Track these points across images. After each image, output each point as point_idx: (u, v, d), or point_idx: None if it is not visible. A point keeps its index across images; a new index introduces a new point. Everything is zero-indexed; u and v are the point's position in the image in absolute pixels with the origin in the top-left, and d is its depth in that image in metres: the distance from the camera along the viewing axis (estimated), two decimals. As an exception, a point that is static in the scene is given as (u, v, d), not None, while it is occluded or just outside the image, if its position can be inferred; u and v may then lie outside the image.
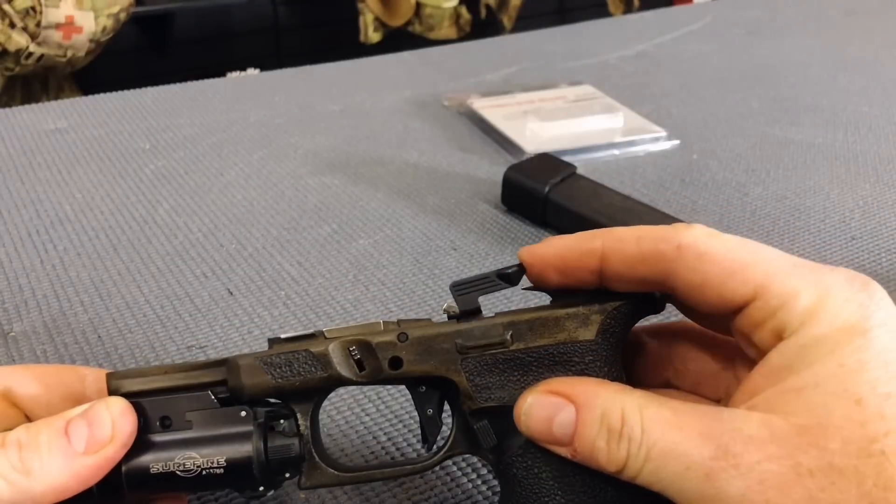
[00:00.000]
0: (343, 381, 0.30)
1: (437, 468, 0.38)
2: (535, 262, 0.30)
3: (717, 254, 0.27)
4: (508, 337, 0.30)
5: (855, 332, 0.25)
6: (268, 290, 0.52)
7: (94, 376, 0.33)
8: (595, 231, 0.30)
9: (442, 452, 0.32)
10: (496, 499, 0.37)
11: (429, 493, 0.37)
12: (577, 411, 0.27)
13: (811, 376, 0.25)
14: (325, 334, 0.31)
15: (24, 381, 0.32)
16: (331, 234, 0.59)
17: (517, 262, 0.31)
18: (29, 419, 0.32)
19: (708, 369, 0.32)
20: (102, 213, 0.61)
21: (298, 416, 0.31)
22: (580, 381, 0.29)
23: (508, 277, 0.31)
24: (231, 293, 0.52)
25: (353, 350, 0.30)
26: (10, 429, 0.29)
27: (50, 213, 0.61)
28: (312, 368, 0.30)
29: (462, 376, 0.30)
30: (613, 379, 0.30)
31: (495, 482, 0.38)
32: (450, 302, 0.32)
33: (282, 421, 0.31)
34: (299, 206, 0.63)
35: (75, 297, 0.51)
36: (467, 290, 0.31)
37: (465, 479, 0.38)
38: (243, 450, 0.30)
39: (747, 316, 0.27)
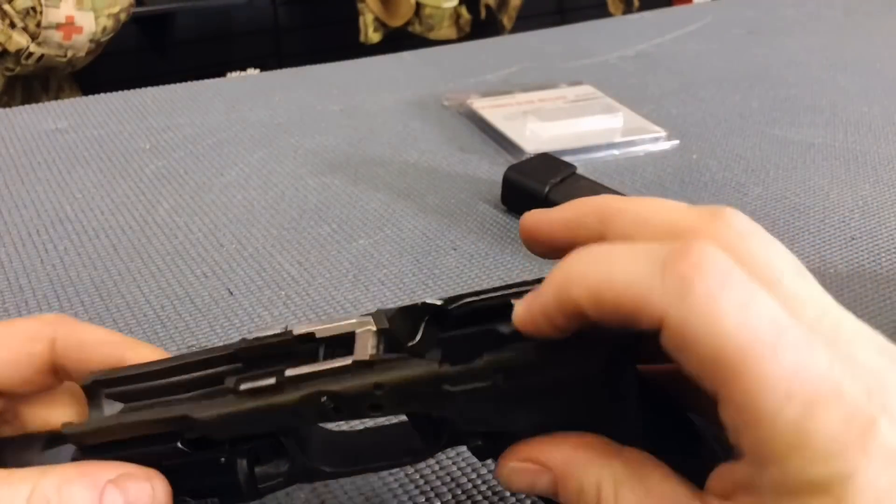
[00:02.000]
0: (320, 422, 0.28)
1: (436, 467, 0.38)
2: (532, 331, 0.26)
3: (701, 348, 0.21)
4: (500, 380, 0.26)
5: (826, 495, 0.21)
6: (268, 290, 0.52)
7: (63, 341, 0.30)
8: (564, 278, 0.24)
9: (437, 445, 0.30)
10: (496, 499, 0.37)
11: (429, 493, 0.37)
12: (555, 479, 0.26)
13: None
14: (289, 378, 0.27)
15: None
16: (331, 234, 0.59)
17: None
18: None
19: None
20: (103, 212, 0.61)
21: (281, 437, 0.29)
22: (557, 445, 0.27)
23: (504, 338, 0.27)
24: (231, 293, 0.52)
25: (326, 400, 0.27)
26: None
27: (50, 213, 0.61)
28: (284, 420, 0.28)
29: (450, 412, 0.27)
30: (615, 416, 0.27)
31: (495, 482, 0.38)
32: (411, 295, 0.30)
33: (265, 448, 0.29)
34: (299, 206, 0.63)
35: (75, 297, 0.51)
36: (459, 344, 0.27)
37: (465, 480, 0.38)
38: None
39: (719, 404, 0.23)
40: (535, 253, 0.29)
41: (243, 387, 0.27)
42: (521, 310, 0.25)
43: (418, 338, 0.28)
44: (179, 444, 0.28)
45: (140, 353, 0.31)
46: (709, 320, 0.21)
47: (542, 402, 0.27)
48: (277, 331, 0.28)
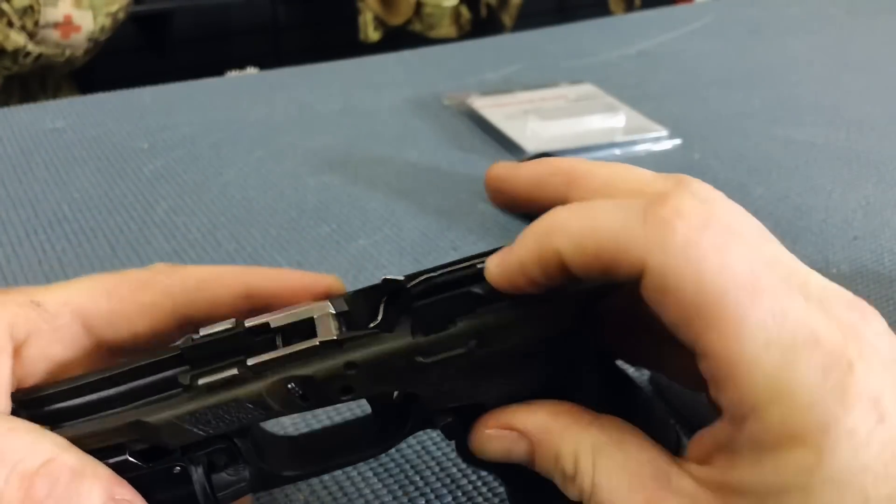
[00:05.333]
0: (285, 414, 0.26)
1: (436, 468, 0.38)
2: (507, 287, 0.26)
3: (683, 292, 0.22)
4: (474, 345, 0.26)
5: (807, 447, 0.21)
6: (267, 290, 0.52)
7: (182, 285, 0.28)
8: (547, 228, 0.24)
9: (404, 433, 0.28)
10: (496, 500, 0.37)
11: (429, 494, 0.37)
12: (532, 447, 0.26)
13: (752, 492, 0.22)
14: (251, 368, 0.25)
15: (96, 303, 0.27)
16: (330, 234, 0.58)
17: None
18: (101, 344, 0.28)
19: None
20: (101, 212, 0.61)
21: (237, 441, 0.26)
22: (533, 412, 0.26)
23: (480, 299, 0.26)
24: (230, 294, 0.51)
25: (293, 387, 0.25)
26: (83, 357, 0.27)
27: (48, 213, 0.61)
28: (248, 414, 0.25)
29: (423, 388, 0.27)
30: (590, 363, 0.28)
31: (495, 483, 0.37)
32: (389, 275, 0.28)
33: (220, 453, 0.27)
34: (298, 206, 0.62)
35: (73, 298, 0.51)
36: (432, 303, 0.26)
37: (465, 481, 0.38)
38: None
39: (697, 358, 0.23)
40: (498, 204, 0.29)
41: (201, 381, 0.25)
42: (496, 265, 0.25)
43: (379, 318, 0.26)
44: (129, 457, 0.25)
45: (268, 276, 0.29)
46: (689, 264, 0.21)
47: (511, 371, 0.27)
48: (227, 325, 0.26)
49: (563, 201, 0.26)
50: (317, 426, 0.39)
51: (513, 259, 0.25)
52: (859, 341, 0.22)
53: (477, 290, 0.26)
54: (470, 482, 0.38)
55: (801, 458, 0.21)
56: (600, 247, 0.23)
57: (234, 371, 0.25)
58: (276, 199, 0.63)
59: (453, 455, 0.39)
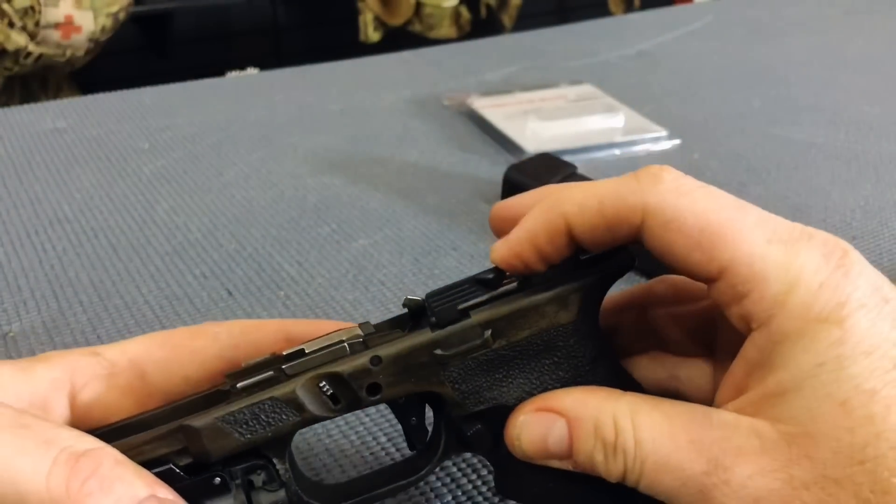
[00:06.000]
0: (318, 419, 0.28)
1: (436, 468, 0.38)
2: (514, 263, 0.28)
3: (684, 222, 0.25)
4: (489, 336, 0.28)
5: (831, 323, 0.23)
6: (267, 290, 0.52)
7: (228, 331, 0.31)
8: (554, 200, 0.27)
9: (437, 458, 0.30)
10: (496, 500, 0.37)
11: (429, 493, 0.37)
12: (570, 425, 0.27)
13: (790, 379, 0.24)
14: (286, 370, 0.28)
15: (151, 352, 0.30)
16: (330, 234, 0.58)
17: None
18: (155, 394, 0.30)
19: (689, 323, 0.31)
20: (101, 212, 0.61)
21: (275, 461, 0.28)
22: (568, 392, 0.28)
23: (488, 283, 0.29)
24: (230, 293, 0.52)
25: (324, 386, 0.28)
26: (136, 404, 0.29)
27: (49, 213, 0.61)
28: (283, 416, 0.27)
29: (447, 387, 0.28)
30: (599, 350, 0.29)
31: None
32: (409, 295, 0.30)
33: (259, 472, 0.28)
34: (299, 206, 0.62)
35: (74, 298, 0.51)
36: (445, 301, 0.28)
37: (465, 480, 0.38)
38: None
39: (715, 291, 0.26)
40: (501, 237, 0.30)
41: (240, 385, 0.27)
42: (500, 244, 0.28)
43: (406, 332, 0.29)
44: (173, 467, 0.27)
45: (306, 325, 0.31)
46: (682, 197, 0.25)
47: (529, 367, 0.28)
48: (266, 356, 0.29)
49: None
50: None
51: (520, 233, 0.28)
52: (843, 242, 0.25)
53: (484, 275, 0.29)
54: (470, 482, 0.38)
55: (827, 335, 0.23)
56: (603, 203, 0.26)
57: (271, 373, 0.28)
58: (277, 200, 0.63)
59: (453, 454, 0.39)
